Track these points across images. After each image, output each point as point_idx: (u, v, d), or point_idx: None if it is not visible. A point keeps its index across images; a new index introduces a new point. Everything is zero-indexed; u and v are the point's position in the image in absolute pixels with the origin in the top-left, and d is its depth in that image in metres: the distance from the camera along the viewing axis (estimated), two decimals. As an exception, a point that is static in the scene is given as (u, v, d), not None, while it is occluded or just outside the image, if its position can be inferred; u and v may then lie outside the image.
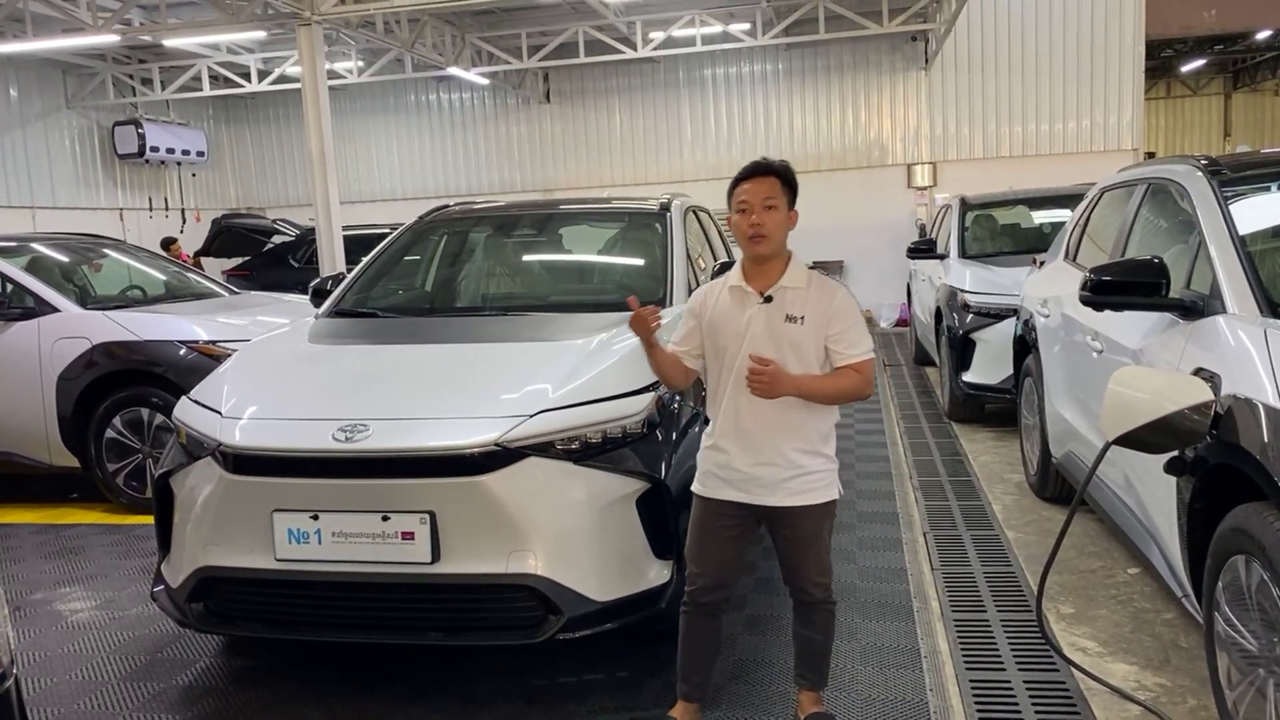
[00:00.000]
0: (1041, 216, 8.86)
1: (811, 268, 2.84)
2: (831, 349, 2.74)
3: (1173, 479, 2.95)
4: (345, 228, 9.96)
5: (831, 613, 2.92)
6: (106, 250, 7.18)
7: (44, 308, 5.87)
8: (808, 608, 2.90)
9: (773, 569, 4.39)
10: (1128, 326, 3.63)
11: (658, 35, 12.88)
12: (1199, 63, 20.35)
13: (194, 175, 16.04)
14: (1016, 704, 3.10)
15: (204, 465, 3.29)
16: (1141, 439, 2.77)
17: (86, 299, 6.27)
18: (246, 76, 14.06)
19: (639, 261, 4.89)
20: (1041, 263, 5.87)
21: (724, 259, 5.47)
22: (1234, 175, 3.51)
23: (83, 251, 7.01)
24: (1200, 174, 3.56)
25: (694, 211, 5.37)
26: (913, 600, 4.00)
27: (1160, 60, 19.51)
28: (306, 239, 11.84)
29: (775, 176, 2.75)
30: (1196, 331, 3.07)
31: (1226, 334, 2.88)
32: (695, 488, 2.86)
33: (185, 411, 3.55)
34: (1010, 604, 3.90)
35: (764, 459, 2.74)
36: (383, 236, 5.30)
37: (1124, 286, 3.37)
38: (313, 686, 3.46)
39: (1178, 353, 3.10)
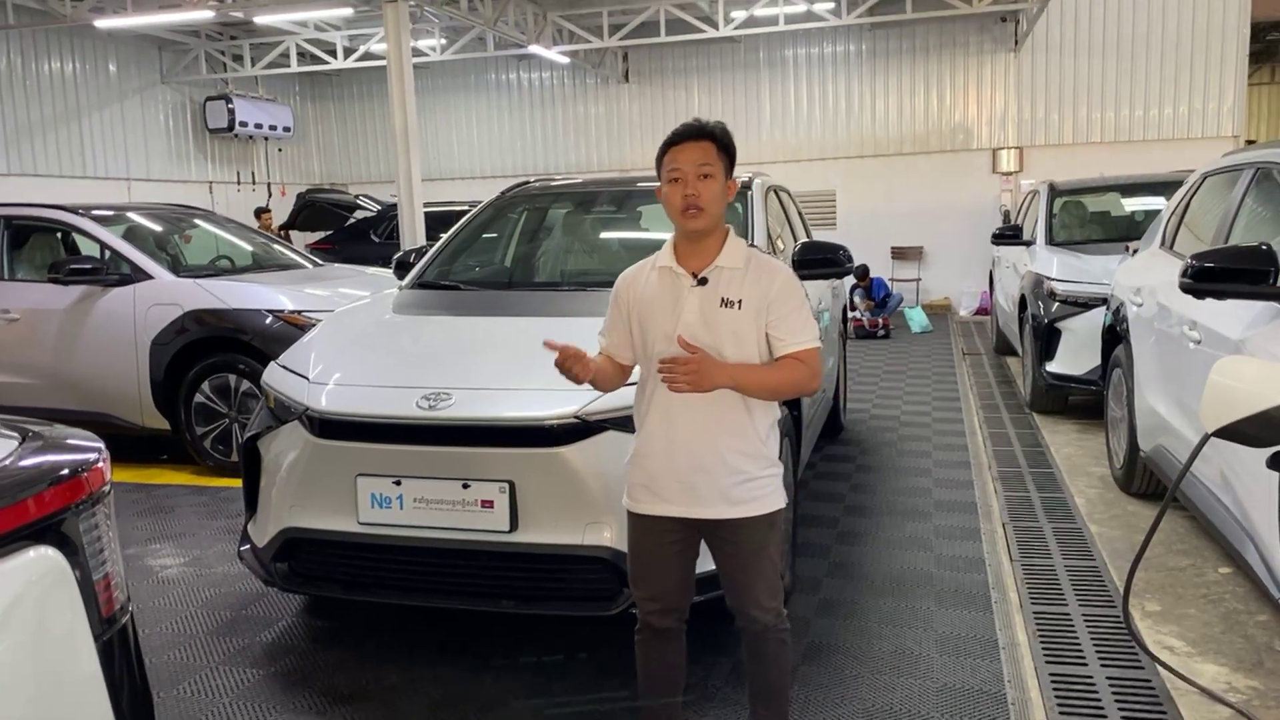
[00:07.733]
0: (1134, 204, 8.55)
1: (751, 245, 2.55)
2: (772, 336, 2.41)
3: (1275, 475, 2.82)
4: (425, 204, 10.09)
5: (784, 642, 2.57)
6: (197, 220, 7.39)
7: (140, 274, 6.07)
8: (756, 637, 2.55)
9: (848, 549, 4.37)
10: (1230, 316, 3.48)
11: (739, 14, 12.73)
12: (1307, 47, 19.38)
13: (280, 150, 16.43)
14: (1099, 700, 3.03)
15: (291, 429, 3.37)
16: (1244, 432, 2.61)
17: (178, 267, 6.47)
18: (333, 53, 14.30)
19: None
20: (1134, 250, 5.68)
21: (804, 239, 5.41)
22: (1351, 160, 3.34)
23: (175, 221, 7.23)
24: (1315, 158, 3.40)
25: (775, 191, 5.31)
26: (991, 590, 3.93)
27: (1265, 44, 18.60)
28: (387, 215, 12.04)
29: (711, 140, 2.40)
30: (1306, 322, 2.94)
31: (1340, 325, 2.75)
32: (625, 502, 2.58)
33: (274, 376, 3.64)
34: (1093, 598, 3.79)
35: (701, 465, 2.41)
36: (462, 214, 5.33)
37: (1228, 274, 3.25)
38: (390, 649, 3.53)
39: (1285, 344, 2.97)
